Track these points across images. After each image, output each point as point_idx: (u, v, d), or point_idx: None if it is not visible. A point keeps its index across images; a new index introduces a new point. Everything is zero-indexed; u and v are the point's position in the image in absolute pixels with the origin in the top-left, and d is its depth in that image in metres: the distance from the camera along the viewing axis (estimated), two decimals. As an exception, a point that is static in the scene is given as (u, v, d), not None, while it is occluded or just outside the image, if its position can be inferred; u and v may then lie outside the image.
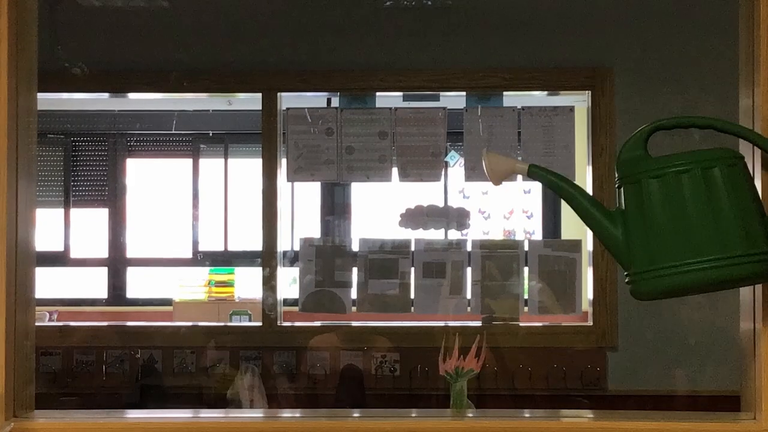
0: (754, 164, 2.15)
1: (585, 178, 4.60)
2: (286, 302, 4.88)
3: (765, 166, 2.07)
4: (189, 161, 7.58)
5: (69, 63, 4.43)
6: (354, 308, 4.70)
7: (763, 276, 1.98)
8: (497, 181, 2.10)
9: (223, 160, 7.56)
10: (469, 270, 4.65)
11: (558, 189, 2.07)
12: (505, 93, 4.75)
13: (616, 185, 2.03)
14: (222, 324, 5.91)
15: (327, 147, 4.72)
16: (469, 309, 4.62)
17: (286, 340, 4.66)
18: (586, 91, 4.60)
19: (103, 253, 7.58)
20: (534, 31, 4.61)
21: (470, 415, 2.32)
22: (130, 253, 7.66)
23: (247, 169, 7.07)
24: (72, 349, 4.68)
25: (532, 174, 2.07)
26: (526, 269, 4.62)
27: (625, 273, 1.99)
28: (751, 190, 1.98)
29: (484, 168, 2.08)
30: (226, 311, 6.77)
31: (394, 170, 4.73)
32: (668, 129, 2.04)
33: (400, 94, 4.82)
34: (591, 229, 2.04)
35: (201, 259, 7.45)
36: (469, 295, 4.64)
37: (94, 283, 7.62)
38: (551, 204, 7.18)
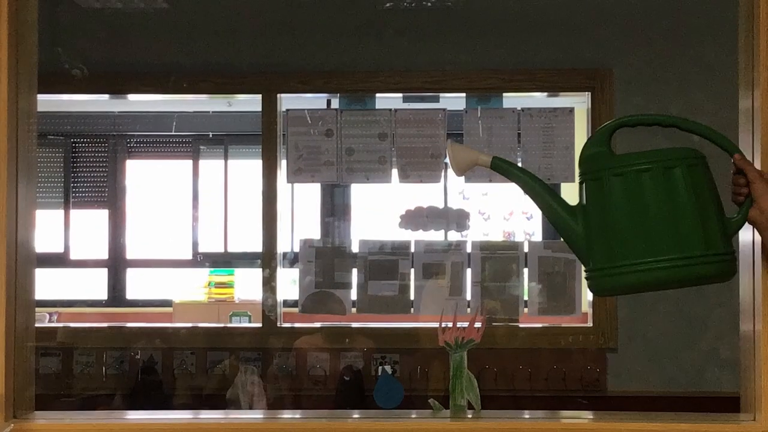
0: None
1: (585, 180, 4.59)
2: (286, 303, 4.88)
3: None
4: (189, 162, 7.58)
5: (69, 64, 4.43)
6: (354, 309, 4.70)
7: (721, 276, 1.98)
8: (460, 172, 2.11)
9: (223, 161, 7.56)
10: (468, 271, 4.65)
11: (520, 182, 2.09)
12: (504, 94, 4.75)
13: (579, 180, 2.04)
14: (222, 325, 5.91)
15: (327, 148, 4.72)
16: (468, 310, 4.62)
17: (286, 341, 4.66)
18: (586, 93, 4.60)
19: (103, 254, 7.57)
20: (534, 32, 4.61)
21: (469, 416, 2.32)
22: (130, 254, 7.66)
23: (247, 170, 7.07)
24: (72, 350, 4.68)
25: (495, 166, 2.09)
26: (525, 270, 4.62)
27: (584, 269, 2.00)
28: (712, 190, 1.98)
29: (448, 159, 2.09)
30: (226, 312, 6.77)
31: (394, 171, 4.73)
32: (631, 126, 2.05)
33: (399, 95, 4.83)
34: (552, 223, 2.05)
35: (201, 260, 7.45)
36: (468, 296, 4.64)
37: (94, 285, 7.62)
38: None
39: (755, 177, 1.96)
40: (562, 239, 2.07)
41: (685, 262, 1.92)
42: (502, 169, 2.09)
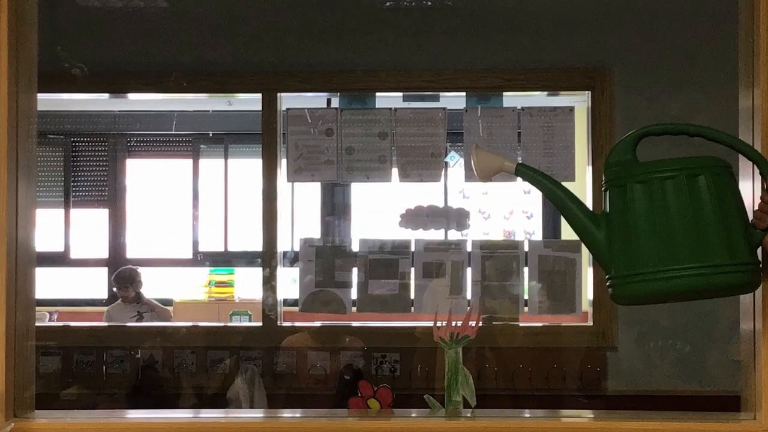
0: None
1: (585, 179, 4.59)
2: (286, 302, 4.88)
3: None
4: (189, 161, 7.58)
5: (69, 63, 4.43)
6: (354, 308, 4.70)
7: (743, 287, 1.97)
8: (485, 178, 2.10)
9: (223, 160, 7.56)
10: (469, 270, 4.65)
11: (544, 189, 2.08)
12: (505, 93, 4.75)
13: (603, 188, 2.03)
14: (222, 324, 5.91)
15: (327, 147, 4.72)
16: (468, 309, 4.61)
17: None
18: (586, 92, 4.59)
19: (103, 253, 7.57)
20: (534, 31, 4.61)
21: (468, 415, 2.32)
22: (130, 253, 7.65)
23: (247, 169, 7.06)
24: (72, 349, 4.68)
25: (519, 173, 2.08)
26: (526, 269, 4.62)
27: (606, 276, 1.99)
28: (736, 199, 1.96)
29: (472, 165, 2.09)
30: (226, 311, 6.76)
31: (394, 171, 4.73)
32: (657, 135, 2.04)
33: (400, 94, 4.82)
34: (574, 229, 2.04)
35: (201, 259, 7.44)
36: (469, 296, 4.64)
37: (94, 284, 7.61)
38: (551, 204, 7.16)
39: None
40: (586, 248, 2.05)
41: (708, 270, 1.90)
42: (527, 176, 2.09)
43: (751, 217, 1.99)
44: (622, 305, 2.10)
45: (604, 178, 2.04)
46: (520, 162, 2.10)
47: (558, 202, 2.06)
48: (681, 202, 1.92)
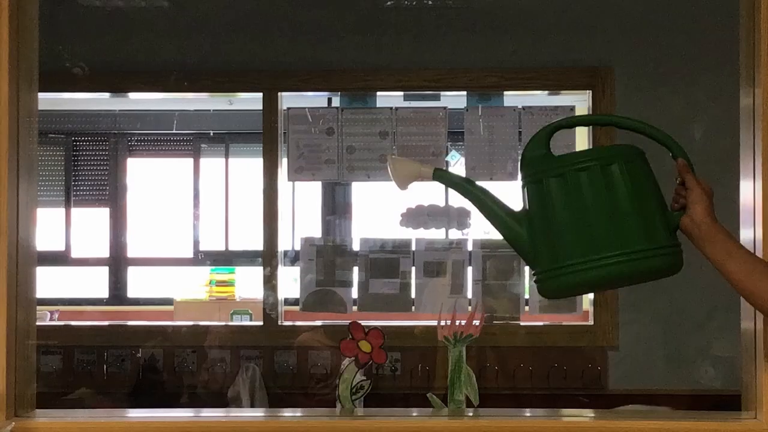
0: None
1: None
2: (287, 302, 4.88)
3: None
4: (190, 161, 7.57)
5: (70, 63, 4.43)
6: (355, 307, 4.70)
7: (666, 270, 1.98)
8: (403, 185, 2.12)
9: (224, 159, 7.55)
10: (470, 269, 4.65)
11: (463, 191, 2.09)
12: (505, 93, 4.75)
13: (521, 185, 2.04)
14: (223, 323, 5.91)
15: (328, 146, 4.72)
16: (469, 308, 4.62)
17: (287, 340, 4.66)
18: (587, 91, 4.59)
19: (104, 252, 7.56)
20: (534, 31, 4.61)
21: (470, 414, 2.32)
22: (131, 252, 7.65)
23: (248, 168, 7.06)
24: (73, 348, 4.69)
25: (437, 177, 2.10)
26: (526, 269, 4.62)
27: (532, 272, 2.00)
28: (652, 185, 1.97)
29: (389, 172, 2.10)
30: (227, 311, 6.75)
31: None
32: (569, 128, 2.05)
33: (400, 93, 4.82)
34: (497, 228, 2.05)
35: (202, 258, 7.44)
36: (469, 295, 4.64)
37: (95, 283, 7.61)
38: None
39: (693, 184, 1.93)
40: (510, 247, 2.06)
41: (629, 257, 1.91)
42: (444, 180, 2.11)
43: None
44: (551, 299, 2.11)
45: (520, 176, 2.04)
46: (437, 167, 2.11)
47: (477, 203, 2.08)
48: (597, 192, 1.93)
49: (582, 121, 2.06)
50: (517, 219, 2.02)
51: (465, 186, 2.09)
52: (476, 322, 2.35)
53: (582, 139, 4.67)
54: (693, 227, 1.92)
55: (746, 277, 1.89)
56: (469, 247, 4.67)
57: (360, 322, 2.39)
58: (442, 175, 2.11)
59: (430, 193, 5.08)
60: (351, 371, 2.32)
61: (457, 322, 2.34)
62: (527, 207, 2.01)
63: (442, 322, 2.34)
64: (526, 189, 2.02)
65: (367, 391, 2.34)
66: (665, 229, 1.94)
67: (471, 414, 2.32)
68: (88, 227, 7.63)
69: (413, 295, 4.65)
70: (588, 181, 1.93)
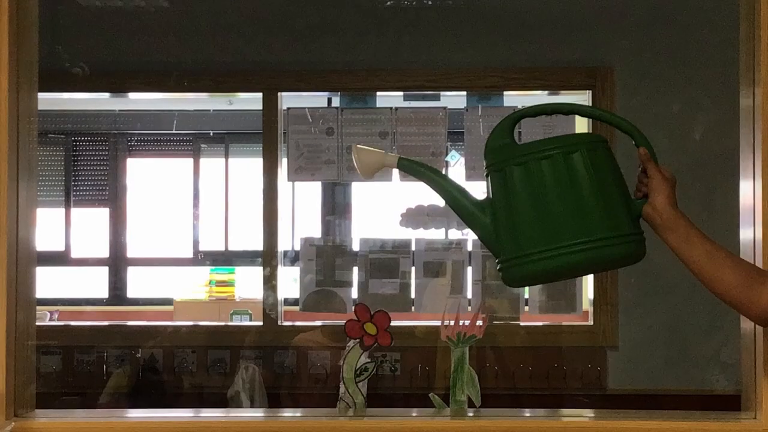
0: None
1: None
2: (287, 302, 4.88)
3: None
4: (190, 161, 7.57)
5: (70, 63, 4.43)
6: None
7: (629, 258, 1.98)
8: (368, 175, 2.12)
9: (223, 159, 7.55)
10: (469, 269, 4.65)
11: (427, 179, 2.10)
12: (505, 93, 4.75)
13: (485, 174, 2.04)
14: (223, 323, 5.91)
15: (327, 146, 4.72)
16: (469, 308, 4.62)
17: (286, 340, 4.66)
18: (587, 91, 4.60)
19: (104, 252, 7.57)
20: (534, 31, 4.61)
21: (471, 414, 2.32)
22: (131, 252, 7.65)
23: (248, 168, 7.06)
24: (73, 348, 4.68)
25: (401, 166, 2.10)
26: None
27: (496, 260, 2.00)
28: (615, 173, 1.97)
29: (354, 162, 2.10)
30: (226, 311, 6.76)
31: (395, 170, 4.72)
32: (533, 116, 2.06)
33: (400, 93, 4.82)
34: (461, 218, 2.05)
35: (202, 258, 7.44)
36: (469, 295, 4.64)
37: (94, 283, 7.61)
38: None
39: (654, 173, 1.93)
40: (475, 236, 2.06)
41: (591, 245, 1.91)
42: (409, 168, 2.11)
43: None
44: (514, 287, 2.11)
45: (485, 164, 2.04)
46: (401, 156, 2.11)
47: (442, 193, 2.08)
48: (559, 180, 1.93)
49: (545, 109, 2.05)
50: (480, 208, 2.02)
51: (429, 174, 2.09)
52: (479, 323, 2.35)
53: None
54: (654, 215, 1.92)
55: (707, 264, 1.89)
56: (469, 247, 4.67)
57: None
58: (405, 165, 2.11)
59: (429, 193, 5.07)
60: (355, 353, 2.32)
61: (461, 323, 2.34)
62: (491, 196, 2.01)
63: (446, 323, 2.34)
64: (489, 177, 2.02)
65: (372, 373, 2.33)
66: (628, 217, 1.94)
67: (471, 414, 2.31)
68: (87, 227, 7.64)
69: (413, 296, 4.65)
70: (550, 169, 1.93)
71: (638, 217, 1.95)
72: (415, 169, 2.11)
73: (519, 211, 1.94)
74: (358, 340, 2.32)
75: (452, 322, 2.33)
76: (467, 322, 2.34)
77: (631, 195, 1.96)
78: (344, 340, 2.36)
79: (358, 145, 2.13)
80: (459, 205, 2.05)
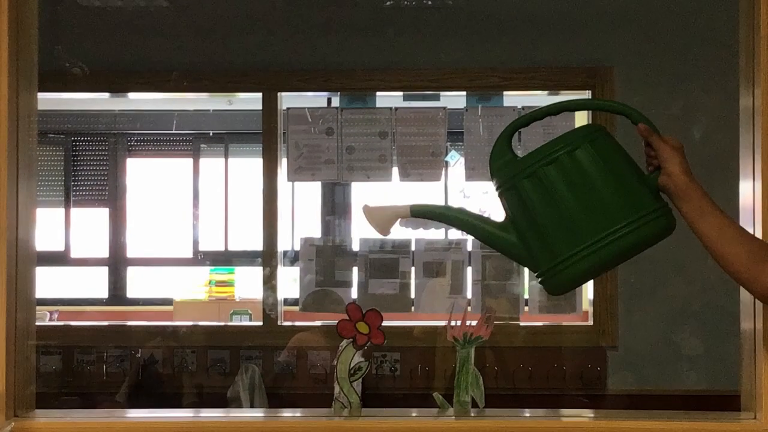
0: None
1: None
2: (287, 302, 4.88)
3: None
4: (189, 161, 7.57)
5: (69, 63, 4.43)
6: (354, 308, 4.69)
7: (662, 232, 1.97)
8: (385, 231, 2.11)
9: (223, 159, 7.56)
10: (469, 270, 4.65)
11: (444, 219, 2.10)
12: (505, 93, 4.75)
13: (497, 194, 2.03)
14: (222, 323, 5.91)
15: (327, 147, 4.72)
16: (469, 308, 4.62)
17: (286, 340, 4.66)
18: (587, 91, 4.60)
19: (104, 252, 7.57)
20: (534, 31, 4.61)
21: (472, 414, 2.32)
22: (131, 252, 7.65)
23: (248, 168, 7.06)
24: (72, 348, 4.68)
25: (414, 213, 2.09)
26: (526, 269, 4.62)
27: (536, 275, 2.00)
28: (622, 155, 1.97)
29: (369, 223, 2.09)
30: (226, 311, 6.76)
31: (395, 170, 4.73)
32: (526, 125, 2.05)
33: (400, 93, 4.82)
34: (489, 244, 2.04)
35: (201, 258, 7.44)
36: (469, 295, 4.64)
37: (94, 283, 7.61)
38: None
39: (659, 144, 1.92)
40: (508, 258, 2.06)
41: (621, 233, 1.91)
42: (422, 213, 2.10)
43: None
44: (560, 295, 2.10)
45: (494, 186, 2.04)
46: (412, 204, 2.10)
47: (462, 226, 2.07)
48: (571, 179, 1.93)
49: (536, 115, 2.05)
50: (504, 228, 2.01)
51: (445, 213, 2.09)
52: (486, 325, 2.34)
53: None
54: (669, 183, 1.91)
55: (717, 239, 1.88)
56: (469, 248, 4.67)
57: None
58: (419, 210, 2.10)
59: (429, 193, 5.09)
60: (348, 353, 2.32)
61: (468, 323, 2.34)
62: (510, 214, 2.00)
63: (452, 323, 2.34)
64: (503, 198, 2.01)
65: (365, 372, 2.34)
66: (648, 194, 1.94)
67: (474, 414, 2.31)
68: (87, 227, 7.63)
69: (413, 296, 4.65)
70: (559, 171, 1.93)
71: (657, 190, 1.94)
72: (429, 211, 2.10)
73: (542, 221, 1.94)
74: (350, 339, 2.32)
75: (458, 323, 2.33)
76: (474, 323, 2.34)
77: (645, 172, 1.96)
78: (341, 340, 2.36)
79: (367, 206, 2.12)
80: (483, 232, 2.04)
